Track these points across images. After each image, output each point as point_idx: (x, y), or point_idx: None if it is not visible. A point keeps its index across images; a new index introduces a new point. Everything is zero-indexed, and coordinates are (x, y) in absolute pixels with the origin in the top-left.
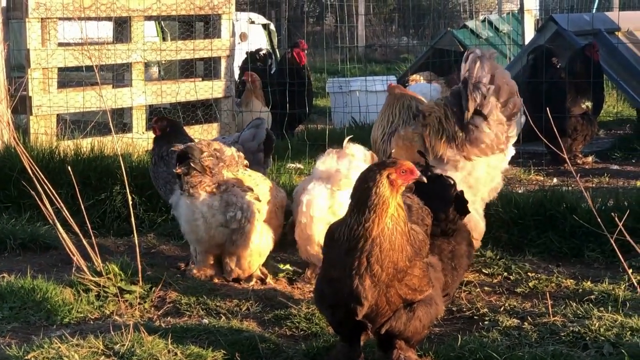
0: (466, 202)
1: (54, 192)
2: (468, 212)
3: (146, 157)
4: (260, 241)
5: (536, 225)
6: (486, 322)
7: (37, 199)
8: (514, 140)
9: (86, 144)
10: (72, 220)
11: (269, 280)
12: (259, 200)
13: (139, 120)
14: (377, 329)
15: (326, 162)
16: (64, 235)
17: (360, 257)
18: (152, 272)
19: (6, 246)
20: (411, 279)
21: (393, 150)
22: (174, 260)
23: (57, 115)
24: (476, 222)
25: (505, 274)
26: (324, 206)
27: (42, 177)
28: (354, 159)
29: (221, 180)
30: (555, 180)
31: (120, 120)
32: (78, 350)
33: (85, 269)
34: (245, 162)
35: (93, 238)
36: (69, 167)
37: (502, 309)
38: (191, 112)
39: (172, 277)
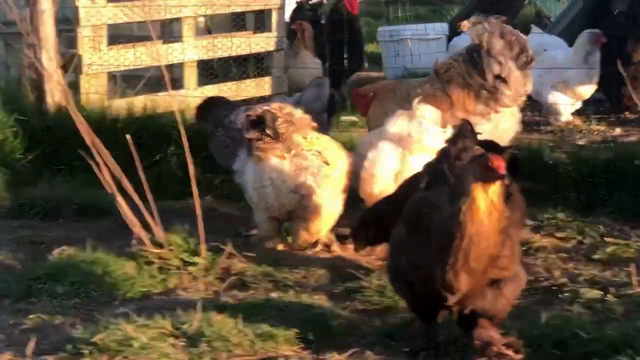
0: (520, 164)
1: (111, 159)
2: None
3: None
4: (331, 206)
5: (607, 183)
6: (566, 294)
7: (94, 165)
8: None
9: (138, 102)
10: (132, 190)
11: (335, 247)
12: (328, 164)
13: (190, 76)
14: (461, 308)
15: (397, 124)
16: (125, 208)
17: (455, 254)
18: (213, 238)
19: (62, 213)
20: (502, 260)
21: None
22: (235, 225)
23: (108, 73)
24: None
25: (580, 237)
26: (390, 167)
27: (98, 142)
28: (425, 121)
29: (291, 144)
30: (618, 130)
31: (170, 76)
32: (146, 332)
33: (147, 241)
34: (314, 124)
35: (153, 205)
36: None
37: (581, 278)
38: (243, 66)
39: (235, 245)
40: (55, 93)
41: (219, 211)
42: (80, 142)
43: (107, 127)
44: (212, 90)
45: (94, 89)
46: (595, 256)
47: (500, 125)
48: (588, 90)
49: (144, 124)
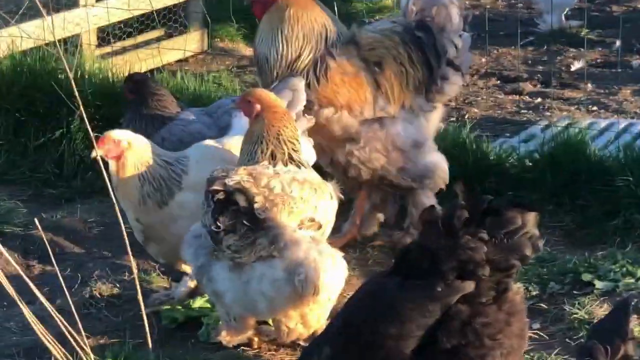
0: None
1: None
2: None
3: (103, 63)
4: (334, 282)
5: None
6: None
7: None
8: None
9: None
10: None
11: None
12: (321, 227)
13: None
14: None
15: None
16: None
17: None
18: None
19: None
20: None
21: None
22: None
23: None
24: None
25: None
26: None
27: None
28: None
29: (277, 232)
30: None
31: None
32: None
33: None
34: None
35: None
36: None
37: None
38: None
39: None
40: None
41: None
42: None
43: None
44: (116, 4)
45: None
46: None
47: (435, 121)
48: None
49: (34, 79)
